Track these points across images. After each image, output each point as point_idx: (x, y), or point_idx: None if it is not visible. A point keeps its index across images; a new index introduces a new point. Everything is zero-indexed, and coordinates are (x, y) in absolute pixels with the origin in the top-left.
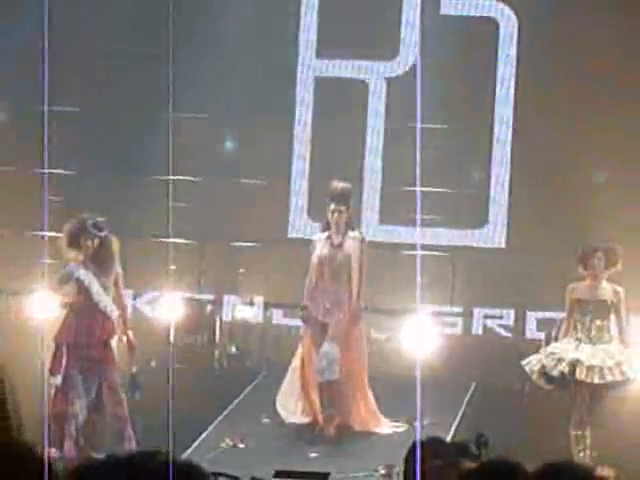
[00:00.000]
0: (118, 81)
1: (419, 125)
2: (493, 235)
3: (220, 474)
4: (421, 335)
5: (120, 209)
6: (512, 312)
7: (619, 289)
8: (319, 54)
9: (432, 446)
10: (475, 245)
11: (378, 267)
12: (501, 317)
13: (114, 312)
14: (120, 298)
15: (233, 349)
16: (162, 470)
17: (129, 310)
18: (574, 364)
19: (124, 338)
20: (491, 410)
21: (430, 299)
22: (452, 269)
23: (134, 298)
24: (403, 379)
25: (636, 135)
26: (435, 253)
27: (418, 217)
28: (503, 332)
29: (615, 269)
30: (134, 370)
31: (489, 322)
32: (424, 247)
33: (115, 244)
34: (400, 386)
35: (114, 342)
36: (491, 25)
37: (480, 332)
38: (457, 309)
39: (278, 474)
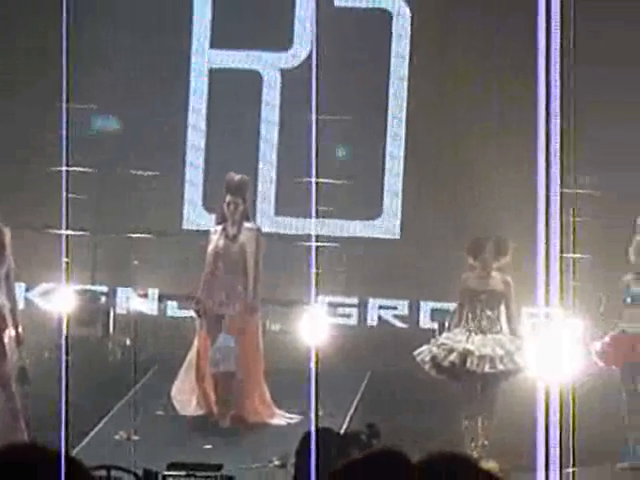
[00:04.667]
0: (10, 71)
1: (314, 116)
2: (387, 226)
3: (113, 467)
4: (316, 326)
5: (13, 200)
6: (406, 303)
7: (509, 279)
8: (213, 44)
9: (323, 437)
10: (369, 236)
11: (274, 258)
12: (395, 308)
13: (5, 305)
14: (11, 291)
15: (127, 341)
16: (35, 464)
17: (19, 303)
18: (465, 354)
19: (13, 332)
20: (386, 400)
21: (325, 290)
22: (347, 260)
23: (27, 290)
24: (299, 370)
25: (526, 130)
26: (330, 244)
27: (313, 208)
28: (397, 322)
29: (505, 260)
30: (23, 364)
31: (384, 313)
32: (319, 238)
33: (7, 235)
34: (296, 377)
35: (5, 336)
36: (385, 16)
37: (375, 323)
38: (352, 300)
39: (171, 466)
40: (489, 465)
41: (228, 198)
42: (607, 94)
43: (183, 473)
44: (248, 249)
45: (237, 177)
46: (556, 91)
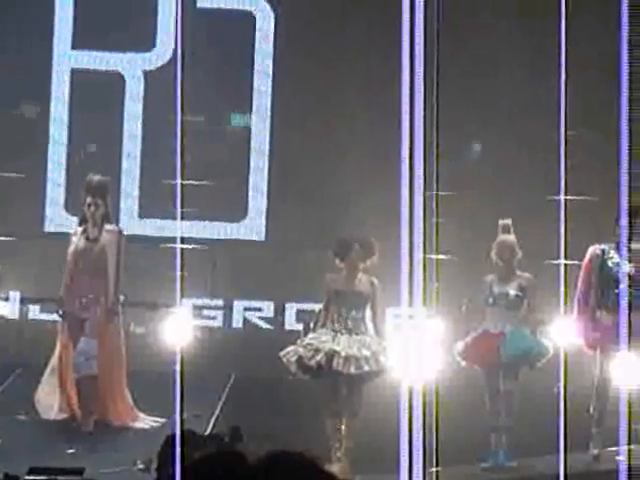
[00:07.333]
0: None
1: (179, 117)
2: (252, 228)
3: None
4: (181, 328)
5: None
6: (272, 304)
7: (375, 281)
8: (75, 45)
9: (186, 440)
10: (234, 238)
11: (137, 261)
12: (261, 309)
13: None
14: None
15: None
16: None
17: None
18: (331, 354)
19: None
20: (251, 402)
21: (190, 292)
22: (212, 262)
23: None
24: (163, 373)
25: (390, 131)
26: (195, 246)
27: (178, 210)
28: (263, 324)
29: (371, 261)
30: None
31: (249, 314)
32: (184, 240)
33: None
34: (161, 380)
35: None
36: (249, 18)
37: (240, 325)
38: (217, 302)
39: (32, 470)
40: (337, 466)
41: (88, 199)
42: (470, 95)
43: (44, 477)
44: (109, 251)
45: (96, 178)
46: (419, 96)
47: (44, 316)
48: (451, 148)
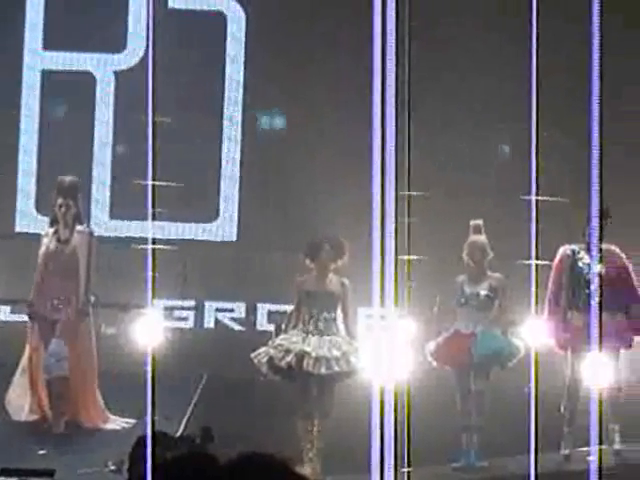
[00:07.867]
0: None
1: (150, 118)
2: (224, 229)
3: None
4: (153, 329)
5: None
6: (243, 305)
7: (346, 281)
8: (46, 46)
9: (157, 441)
10: (206, 239)
11: (109, 262)
12: (232, 310)
13: None
14: None
15: None
16: None
17: None
18: (301, 355)
19: None
20: (223, 403)
21: (161, 293)
22: (183, 263)
23: None
24: (135, 374)
25: (361, 132)
26: (166, 247)
27: (149, 211)
28: (235, 325)
29: (342, 262)
30: None
31: (221, 315)
32: (155, 241)
33: None
34: (132, 381)
35: None
36: (220, 19)
37: (212, 325)
38: (189, 303)
39: (3, 472)
40: (308, 467)
41: (59, 200)
42: (440, 97)
43: (15, 479)
44: (80, 252)
45: (67, 179)
46: (391, 95)
47: (15, 317)
48: (423, 148)
